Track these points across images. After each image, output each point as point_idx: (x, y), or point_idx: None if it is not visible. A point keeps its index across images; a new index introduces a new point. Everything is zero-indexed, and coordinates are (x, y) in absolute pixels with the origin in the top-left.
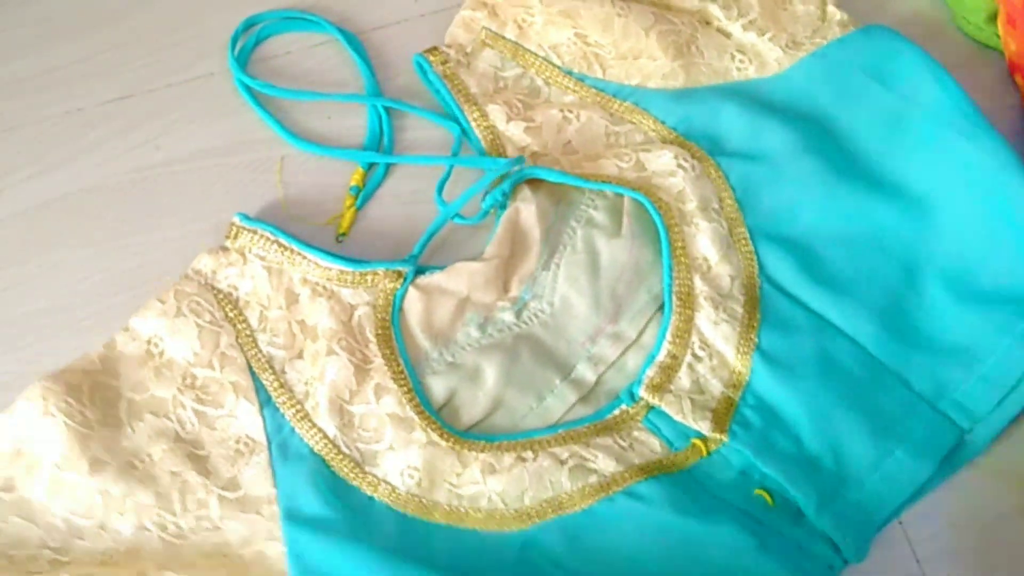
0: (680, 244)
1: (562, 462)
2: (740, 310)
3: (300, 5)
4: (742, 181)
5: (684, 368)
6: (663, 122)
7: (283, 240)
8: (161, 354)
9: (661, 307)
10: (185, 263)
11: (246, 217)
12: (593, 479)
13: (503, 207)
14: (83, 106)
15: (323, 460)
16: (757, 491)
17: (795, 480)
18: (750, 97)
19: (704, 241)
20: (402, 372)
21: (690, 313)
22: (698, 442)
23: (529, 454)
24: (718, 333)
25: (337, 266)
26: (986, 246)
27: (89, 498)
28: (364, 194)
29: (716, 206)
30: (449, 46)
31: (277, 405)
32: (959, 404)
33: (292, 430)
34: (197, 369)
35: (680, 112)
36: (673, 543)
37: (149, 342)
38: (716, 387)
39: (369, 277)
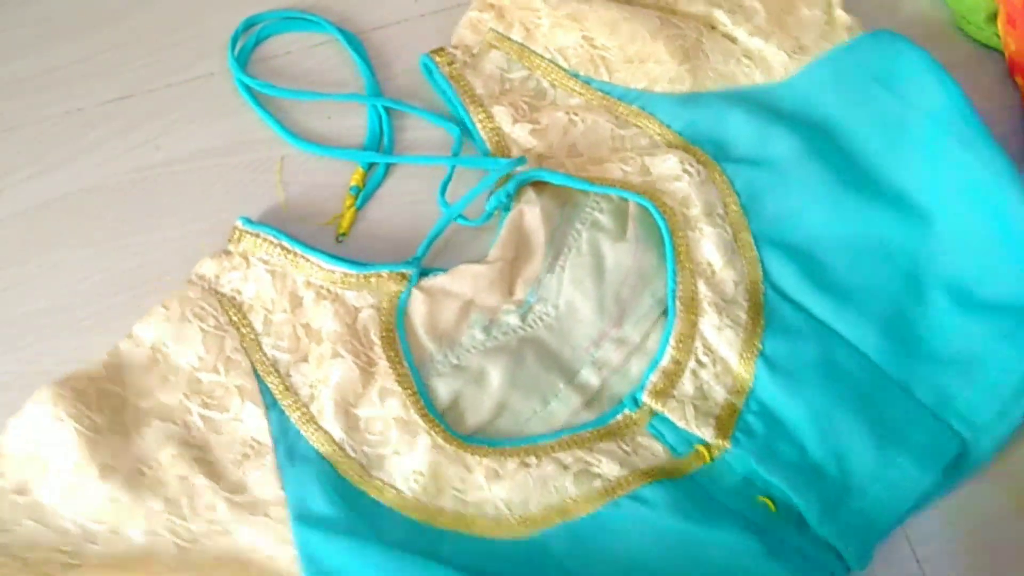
0: (684, 249)
1: (566, 467)
2: (744, 316)
3: (300, 5)
4: (747, 187)
5: (687, 374)
6: (669, 126)
7: (286, 243)
8: (166, 359)
9: (665, 312)
10: (185, 263)
11: (248, 220)
12: (597, 484)
13: (507, 209)
14: (83, 106)
15: (330, 463)
16: (760, 498)
17: (798, 488)
18: (756, 103)
19: (708, 246)
20: (407, 375)
21: (694, 318)
22: (701, 448)
23: (533, 459)
24: (722, 339)
25: (341, 269)
26: (986, 257)
27: (101, 503)
28: (364, 194)
29: (721, 211)
30: (455, 47)
31: (283, 408)
32: (961, 413)
33: (298, 433)
34: (202, 374)
35: (686, 116)
36: (677, 548)
37: (153, 348)
38: (719, 393)
39: (373, 280)
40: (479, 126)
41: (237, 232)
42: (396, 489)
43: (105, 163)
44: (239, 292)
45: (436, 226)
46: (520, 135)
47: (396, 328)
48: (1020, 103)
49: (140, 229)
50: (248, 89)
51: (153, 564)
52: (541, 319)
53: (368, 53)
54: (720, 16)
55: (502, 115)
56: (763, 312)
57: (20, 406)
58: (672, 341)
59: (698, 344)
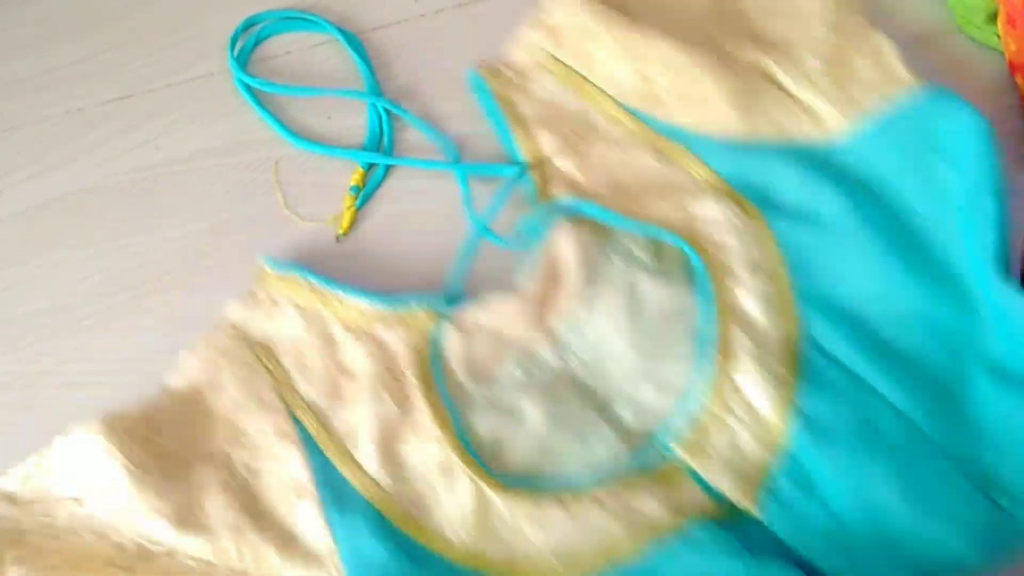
0: (723, 296)
1: (608, 510)
2: (781, 369)
3: (300, 5)
4: (791, 242)
5: (719, 426)
6: (716, 171)
7: (315, 283)
8: (203, 409)
9: (701, 356)
10: (185, 263)
11: (274, 261)
12: (642, 526)
13: (541, 236)
14: (83, 106)
15: (376, 508)
16: None
17: (828, 557)
18: (806, 158)
19: (746, 295)
20: (444, 415)
21: (728, 367)
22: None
23: (574, 502)
24: (756, 392)
25: (373, 306)
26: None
27: (155, 533)
28: (364, 194)
29: (762, 263)
30: (506, 66)
31: (323, 452)
32: (1008, 490)
33: (341, 476)
34: (242, 421)
35: (733, 163)
36: None
37: (192, 397)
38: (752, 449)
39: (406, 316)
40: (522, 150)
41: (263, 274)
42: (443, 537)
43: (105, 163)
44: (270, 335)
45: (463, 251)
46: (564, 166)
47: (432, 366)
48: (1020, 103)
49: (140, 229)
50: (248, 89)
51: None
52: (576, 355)
53: (368, 53)
54: (776, 68)
55: (546, 141)
56: (802, 368)
57: (20, 406)
58: (705, 390)
59: (732, 395)
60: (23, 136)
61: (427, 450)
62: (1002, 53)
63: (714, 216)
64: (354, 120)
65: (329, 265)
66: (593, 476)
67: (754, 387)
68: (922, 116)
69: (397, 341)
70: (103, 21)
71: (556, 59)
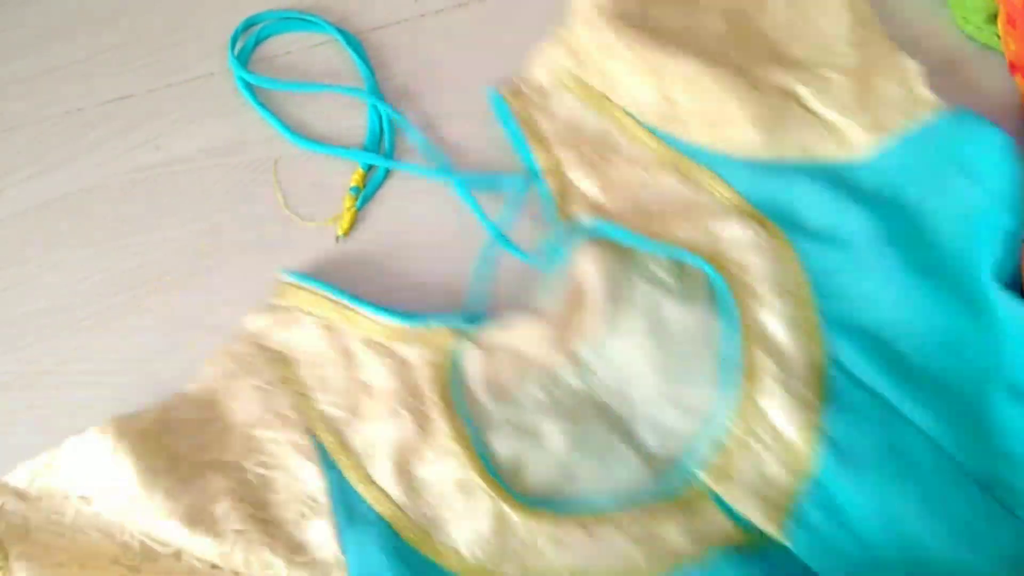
0: (748, 320)
1: (630, 535)
2: (808, 394)
3: (300, 5)
4: (816, 263)
5: (746, 452)
6: (741, 193)
7: (336, 297)
8: (219, 417)
9: (725, 379)
10: (185, 263)
11: (294, 274)
12: (664, 553)
13: (564, 258)
14: (83, 106)
15: (389, 524)
16: None
17: None
18: (832, 179)
19: (772, 319)
20: (464, 433)
21: (753, 391)
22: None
23: (596, 526)
24: (783, 417)
25: (394, 323)
26: None
27: (162, 533)
28: (364, 195)
29: (787, 285)
30: (526, 84)
31: (339, 467)
32: None
33: (355, 492)
34: (256, 431)
35: (758, 185)
36: None
37: (208, 404)
38: (779, 476)
39: (427, 333)
40: (544, 171)
41: (283, 286)
42: (459, 554)
43: (105, 163)
44: (289, 348)
45: (480, 266)
46: (587, 187)
47: (452, 384)
48: (1020, 103)
49: (140, 229)
50: (249, 89)
51: None
52: (600, 378)
53: (367, 53)
54: (801, 89)
55: (570, 163)
56: (827, 391)
57: (20, 406)
58: (731, 415)
59: (758, 420)
60: (23, 136)
61: (445, 468)
62: (1002, 53)
63: (738, 237)
64: (354, 120)
65: (329, 266)
66: (614, 500)
67: (779, 411)
68: (946, 133)
69: (417, 358)
70: (103, 21)
71: (577, 78)
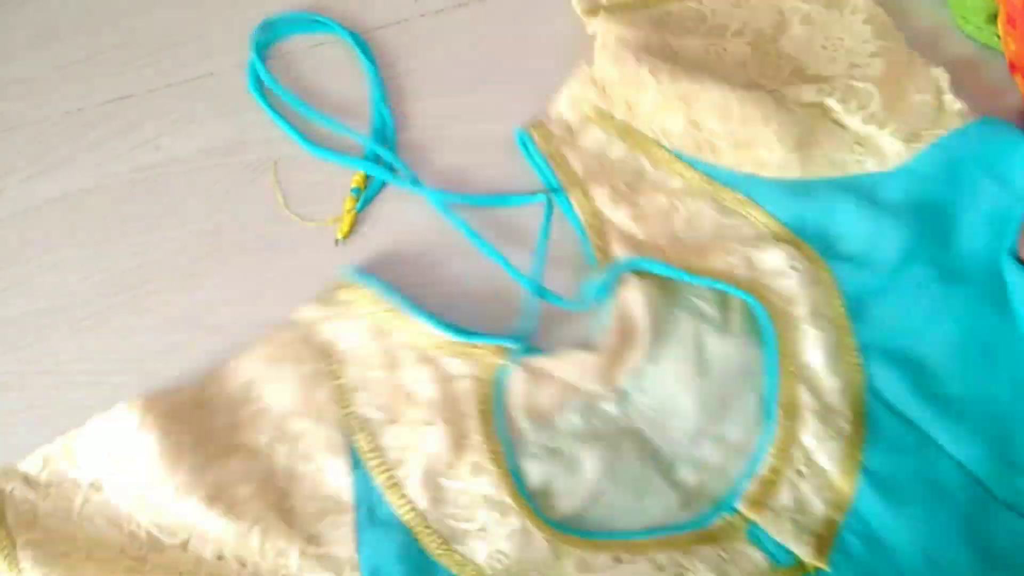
0: (788, 351)
1: (661, 568)
2: (846, 426)
3: (300, 5)
4: (854, 288)
5: (785, 484)
6: (775, 216)
7: (392, 301)
8: (258, 399)
9: (765, 414)
10: (185, 263)
11: (355, 270)
12: None
13: (610, 295)
14: (83, 106)
15: (410, 532)
16: None
17: None
18: (867, 194)
19: (812, 350)
20: (500, 452)
21: (794, 426)
22: (806, 561)
23: (626, 556)
24: (823, 450)
25: (444, 334)
26: None
27: (174, 518)
28: (365, 197)
29: (826, 313)
30: (553, 121)
31: (368, 469)
32: None
33: (381, 496)
34: (292, 419)
35: (793, 207)
36: None
37: (248, 385)
38: (818, 507)
39: (476, 350)
40: (577, 206)
41: (342, 281)
42: (477, 566)
43: (105, 163)
44: (338, 342)
45: (527, 307)
46: (620, 219)
47: (493, 402)
48: (1020, 103)
49: (140, 229)
50: (260, 91)
51: None
52: (640, 411)
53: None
54: (832, 103)
55: (601, 196)
56: (866, 423)
57: (20, 406)
58: (771, 449)
59: (798, 454)
60: (23, 136)
61: (476, 484)
62: (1002, 53)
63: (776, 264)
64: (355, 122)
65: (328, 267)
66: (645, 530)
67: (819, 446)
68: (974, 139)
69: (462, 372)
70: (103, 21)
71: (602, 111)
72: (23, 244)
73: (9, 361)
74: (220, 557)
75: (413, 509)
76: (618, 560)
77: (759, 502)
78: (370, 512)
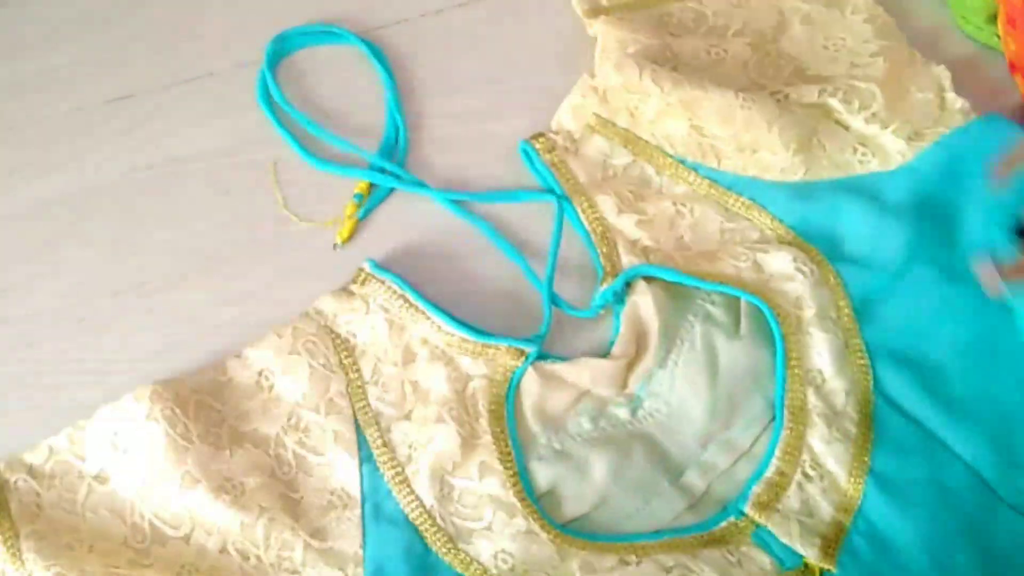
0: (795, 355)
1: (667, 570)
2: (853, 429)
3: (301, 6)
4: (860, 289)
5: (793, 487)
6: (780, 220)
7: (410, 296)
8: (270, 388)
9: (774, 417)
10: (185, 263)
11: (376, 265)
12: None
13: (620, 302)
14: (84, 106)
15: (416, 529)
16: None
17: None
18: (871, 194)
19: (820, 352)
20: (509, 453)
21: (801, 429)
22: (812, 563)
23: (632, 558)
24: (830, 452)
25: (460, 333)
26: None
27: (178, 510)
28: (367, 207)
29: (833, 315)
30: (556, 132)
31: (377, 464)
32: None
33: (389, 492)
34: (303, 411)
35: (799, 210)
36: None
37: (260, 374)
38: (826, 510)
39: (491, 350)
40: (582, 215)
41: (362, 274)
42: (482, 565)
43: (105, 163)
44: (354, 335)
45: (545, 308)
46: (626, 226)
47: (506, 404)
48: (1020, 103)
49: (140, 229)
50: (267, 102)
51: None
52: (651, 415)
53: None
54: (835, 104)
55: (606, 204)
56: (873, 425)
57: (20, 406)
58: (778, 452)
59: (805, 457)
60: (23, 136)
61: (485, 484)
62: (1002, 53)
63: (783, 268)
64: (369, 118)
65: (326, 268)
66: (655, 535)
67: (827, 448)
68: (975, 136)
69: (476, 372)
70: (103, 21)
71: (604, 119)
72: (23, 244)
73: (9, 361)
74: (223, 550)
75: (420, 506)
76: (624, 562)
77: (767, 505)
78: (377, 507)
